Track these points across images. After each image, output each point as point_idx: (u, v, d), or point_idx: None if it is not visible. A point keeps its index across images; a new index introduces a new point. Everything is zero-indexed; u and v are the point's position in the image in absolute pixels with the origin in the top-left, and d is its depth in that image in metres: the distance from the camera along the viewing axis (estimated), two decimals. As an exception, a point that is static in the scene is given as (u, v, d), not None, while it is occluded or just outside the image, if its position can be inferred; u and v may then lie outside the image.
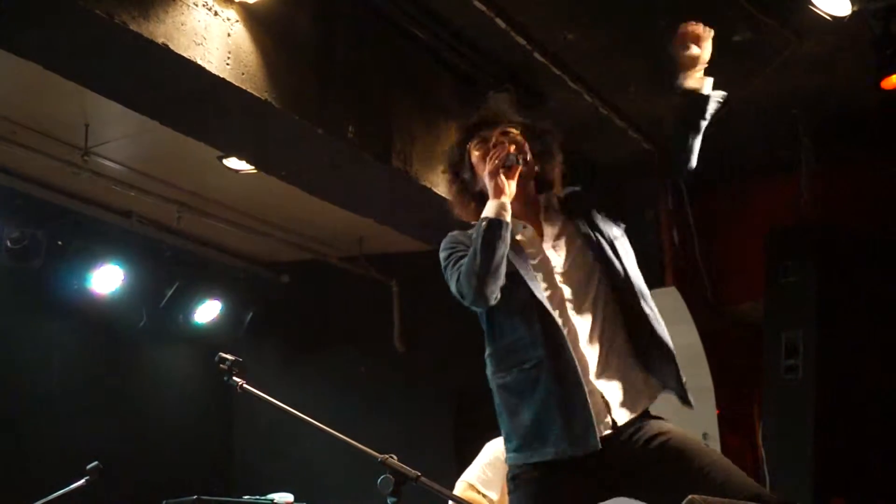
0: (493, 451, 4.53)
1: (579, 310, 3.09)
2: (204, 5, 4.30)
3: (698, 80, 3.20)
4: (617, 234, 3.30)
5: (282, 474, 8.32)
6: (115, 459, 5.58)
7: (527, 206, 3.22)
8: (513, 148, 3.15)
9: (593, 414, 2.95)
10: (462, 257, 3.07)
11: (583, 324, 3.08)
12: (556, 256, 3.16)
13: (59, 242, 6.94)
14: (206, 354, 4.06)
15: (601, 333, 3.10)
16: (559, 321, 3.03)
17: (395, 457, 2.74)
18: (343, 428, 2.82)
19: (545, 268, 3.13)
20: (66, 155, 6.43)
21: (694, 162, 3.26)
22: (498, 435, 4.43)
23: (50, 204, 7.04)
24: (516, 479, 3.04)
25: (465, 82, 5.97)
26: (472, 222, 3.21)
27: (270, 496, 7.09)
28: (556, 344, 3.00)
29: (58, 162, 6.49)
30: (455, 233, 3.26)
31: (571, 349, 3.01)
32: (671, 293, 6.99)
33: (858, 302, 6.41)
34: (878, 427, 6.19)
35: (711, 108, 3.20)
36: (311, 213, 7.37)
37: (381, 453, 2.71)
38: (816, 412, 6.18)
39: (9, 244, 6.61)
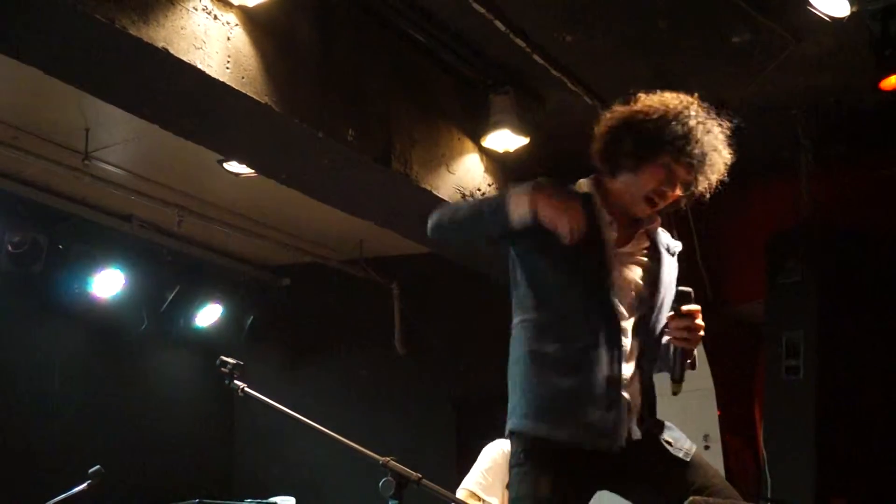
0: (491, 456, 4.53)
1: (627, 324, 3.03)
2: (204, 9, 4.30)
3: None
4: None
5: (283, 477, 8.34)
6: (117, 463, 5.59)
7: (630, 212, 3.06)
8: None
9: (624, 415, 2.93)
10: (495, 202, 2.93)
11: (625, 339, 3.02)
12: (626, 268, 3.07)
13: (60, 247, 6.95)
14: (208, 358, 4.07)
15: (631, 354, 3.05)
16: (621, 315, 2.97)
17: (396, 459, 2.75)
18: (344, 431, 2.83)
19: (618, 268, 3.03)
20: (66, 159, 6.44)
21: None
22: (498, 437, 4.45)
23: (51, 208, 7.05)
24: (531, 451, 2.91)
25: (465, 85, 5.97)
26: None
27: (272, 499, 7.09)
28: (614, 335, 2.93)
29: (59, 166, 6.50)
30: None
31: (624, 346, 2.96)
32: (672, 294, 6.99)
33: (859, 302, 6.41)
34: (879, 427, 6.20)
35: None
36: (312, 216, 7.38)
37: (382, 456, 2.71)
38: (817, 412, 6.19)
39: (10, 248, 6.62)
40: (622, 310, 2.99)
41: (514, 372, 3.00)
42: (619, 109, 3.07)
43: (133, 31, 3.95)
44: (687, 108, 3.00)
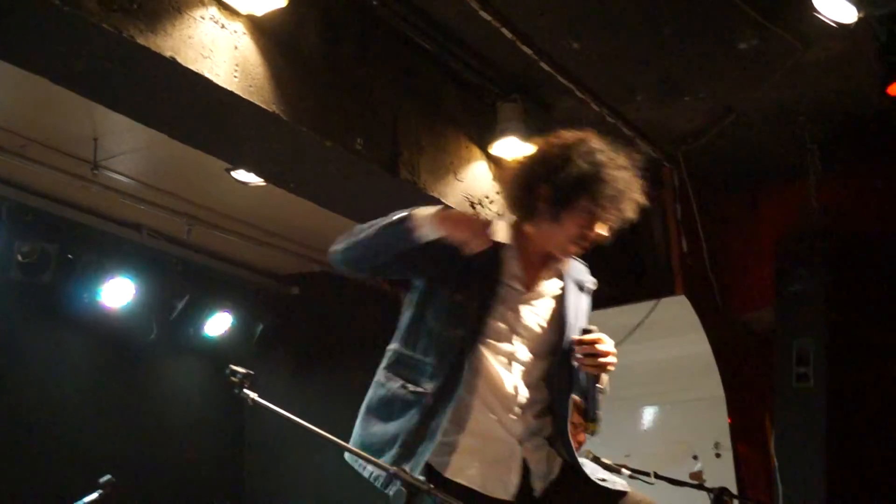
0: None
1: (530, 373, 3.03)
2: (211, 18, 4.31)
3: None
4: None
5: (293, 486, 8.33)
6: (127, 472, 5.59)
7: (545, 253, 3.05)
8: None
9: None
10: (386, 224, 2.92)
11: (521, 386, 3.01)
12: (540, 315, 3.06)
13: (70, 256, 6.96)
14: (217, 367, 4.07)
15: (534, 403, 3.04)
16: (495, 367, 2.97)
17: (406, 468, 2.74)
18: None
19: (514, 316, 3.01)
20: (75, 169, 6.46)
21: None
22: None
23: (60, 218, 7.06)
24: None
25: (473, 93, 5.98)
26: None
27: (282, 508, 7.11)
28: (451, 391, 2.91)
29: (67, 176, 6.51)
30: None
31: (489, 396, 2.96)
32: (681, 302, 6.99)
33: (869, 309, 6.40)
34: (890, 434, 6.18)
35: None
36: (320, 224, 7.37)
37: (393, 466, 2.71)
38: (828, 420, 6.17)
39: (20, 258, 6.64)
40: (517, 354, 2.99)
41: (377, 396, 3.07)
42: (526, 160, 3.09)
43: (141, 41, 3.96)
44: (590, 146, 2.99)
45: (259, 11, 4.46)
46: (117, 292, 7.27)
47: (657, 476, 4.59)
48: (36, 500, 6.31)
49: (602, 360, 2.94)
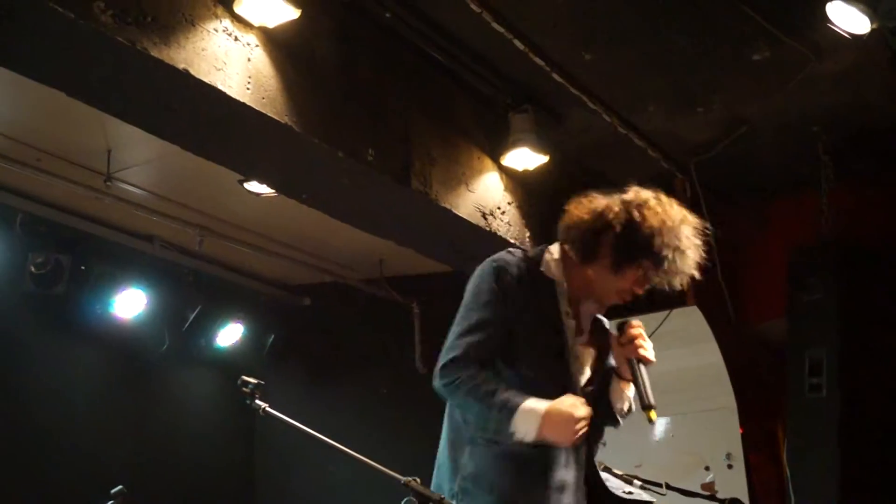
0: None
1: None
2: (224, 31, 4.33)
3: (622, 398, 3.18)
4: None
5: (305, 497, 8.33)
6: (139, 483, 5.59)
7: (587, 293, 3.11)
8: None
9: None
10: (490, 327, 2.95)
11: None
12: (580, 358, 3.13)
13: (83, 267, 6.99)
14: (229, 378, 4.07)
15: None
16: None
17: (418, 479, 2.74)
18: (366, 450, 2.83)
19: (577, 358, 3.09)
20: (88, 180, 6.48)
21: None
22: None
23: (73, 229, 7.08)
24: None
25: (485, 104, 5.98)
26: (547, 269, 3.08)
27: (293, 519, 7.10)
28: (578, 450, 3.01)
29: (81, 187, 6.53)
30: (509, 267, 3.04)
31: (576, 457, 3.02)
32: (693, 312, 6.98)
33: (882, 319, 6.38)
34: (903, 445, 6.16)
35: (611, 418, 3.18)
36: (332, 235, 7.39)
37: (404, 476, 2.71)
38: (841, 431, 6.15)
39: (33, 270, 6.66)
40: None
41: (453, 453, 3.04)
42: (608, 202, 3.08)
43: (154, 53, 3.98)
44: (680, 225, 3.03)
45: (272, 23, 4.48)
46: (130, 303, 7.29)
47: (669, 487, 4.58)
48: (48, 510, 6.33)
49: (644, 348, 3.03)
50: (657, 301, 7.13)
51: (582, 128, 6.19)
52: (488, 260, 3.07)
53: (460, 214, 5.74)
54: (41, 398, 7.13)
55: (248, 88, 4.41)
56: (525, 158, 5.91)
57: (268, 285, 8.72)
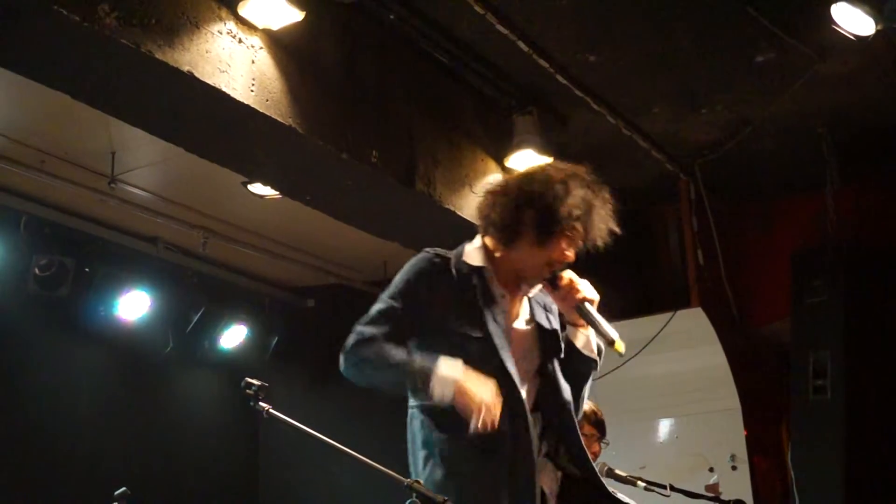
0: None
1: (529, 396, 3.05)
2: (228, 33, 4.33)
3: (580, 337, 3.13)
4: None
5: (308, 499, 8.33)
6: (143, 484, 5.60)
7: (517, 277, 3.12)
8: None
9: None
10: (394, 314, 2.98)
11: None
12: (523, 336, 3.10)
13: (87, 269, 6.98)
14: (232, 379, 4.06)
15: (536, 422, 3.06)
16: (525, 402, 2.98)
17: (421, 481, 2.74)
18: (369, 452, 2.82)
19: (514, 342, 3.05)
20: (93, 183, 6.48)
21: (582, 406, 3.19)
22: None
23: (77, 231, 7.09)
24: None
25: (489, 105, 5.98)
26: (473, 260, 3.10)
27: (297, 521, 7.10)
28: (521, 425, 2.94)
29: (85, 190, 6.54)
30: (434, 259, 3.09)
31: (531, 433, 2.98)
32: (697, 314, 6.98)
33: (887, 321, 6.37)
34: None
35: (585, 363, 3.13)
36: (336, 237, 7.39)
37: (406, 477, 2.70)
38: (845, 432, 6.14)
39: (37, 272, 6.66)
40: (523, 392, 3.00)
41: (427, 453, 3.00)
42: (508, 182, 3.15)
43: (159, 56, 3.98)
44: (578, 179, 3.06)
45: (276, 25, 4.48)
46: (133, 305, 7.29)
47: (673, 488, 4.58)
48: (53, 512, 6.34)
49: (581, 291, 3.03)
50: (661, 303, 7.18)
51: (586, 129, 6.19)
52: (413, 258, 3.12)
53: (464, 216, 5.73)
54: (45, 399, 7.14)
55: (252, 90, 4.41)
56: (529, 160, 5.90)
57: (272, 287, 8.73)
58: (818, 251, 6.60)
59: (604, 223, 3.08)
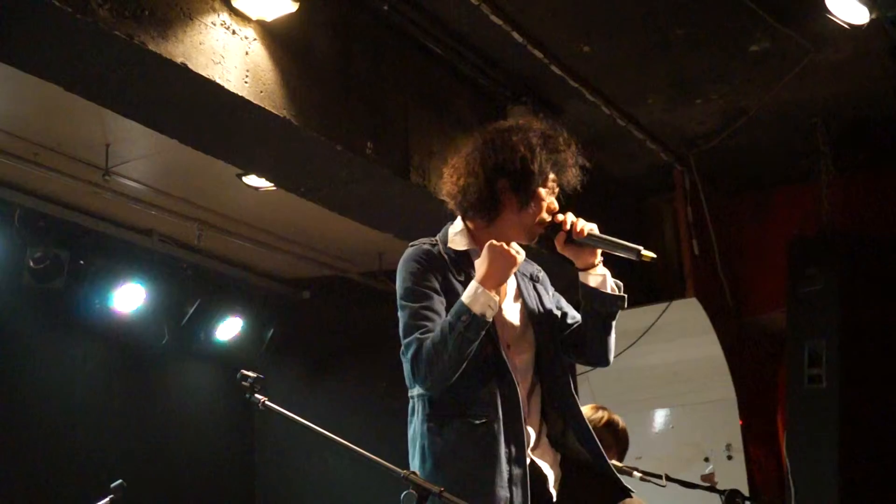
0: None
1: (524, 379, 3.01)
2: (222, 24, 4.32)
3: (596, 277, 3.04)
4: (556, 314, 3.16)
5: (304, 490, 8.34)
6: (138, 477, 5.61)
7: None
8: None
9: (528, 490, 2.88)
10: (426, 311, 2.90)
11: (524, 395, 3.00)
12: (512, 318, 3.06)
13: (81, 262, 6.98)
14: (228, 372, 4.07)
15: (533, 407, 3.03)
16: (518, 387, 2.94)
17: (417, 472, 2.74)
18: (365, 444, 2.82)
19: (503, 327, 3.00)
20: (87, 175, 6.47)
21: (611, 356, 3.10)
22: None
23: (72, 224, 7.08)
24: None
25: (483, 96, 5.98)
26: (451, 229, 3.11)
27: (294, 512, 7.11)
28: (514, 411, 2.91)
29: (79, 182, 6.53)
30: (424, 247, 3.06)
31: (525, 418, 2.94)
32: (692, 304, 6.99)
33: (882, 310, 6.38)
34: (903, 436, 6.16)
35: (612, 303, 3.04)
36: (331, 229, 7.39)
37: (403, 468, 2.70)
38: (841, 422, 6.15)
39: (31, 264, 6.65)
40: (516, 369, 2.97)
41: (420, 444, 2.98)
42: (467, 159, 3.09)
43: (152, 47, 3.97)
44: (534, 131, 3.05)
45: (270, 17, 4.47)
46: (128, 297, 7.29)
47: (669, 478, 4.58)
48: (48, 504, 6.34)
49: (582, 223, 3.00)
50: (656, 293, 7.19)
51: (581, 120, 6.19)
52: (406, 251, 3.08)
53: (447, 204, 5.72)
54: (40, 392, 7.14)
55: (246, 82, 4.40)
56: (524, 151, 5.89)
57: (267, 279, 8.73)
58: (813, 240, 6.61)
59: (573, 164, 3.07)
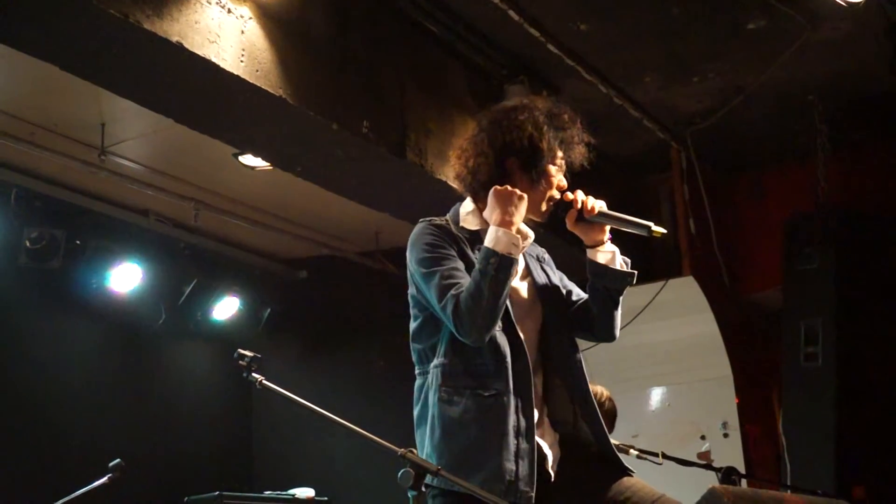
0: None
1: (531, 353, 3.02)
2: (217, 3, 4.31)
3: (605, 254, 3.05)
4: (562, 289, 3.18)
5: (302, 469, 8.36)
6: (137, 457, 5.61)
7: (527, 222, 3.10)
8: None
9: (535, 465, 2.88)
10: (453, 271, 2.92)
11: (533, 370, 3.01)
12: (521, 295, 3.07)
13: (78, 242, 6.97)
14: (225, 351, 4.07)
15: (536, 385, 3.03)
16: (530, 361, 2.96)
17: (414, 450, 2.75)
18: (362, 422, 2.83)
19: (513, 304, 3.00)
20: (83, 155, 6.46)
21: (617, 332, 3.13)
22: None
23: (68, 204, 7.06)
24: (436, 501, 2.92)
25: (480, 75, 5.97)
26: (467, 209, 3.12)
27: (292, 491, 7.12)
28: (525, 385, 2.93)
29: (75, 162, 6.52)
30: (435, 222, 3.09)
31: (534, 392, 2.95)
32: (689, 283, 6.99)
33: (878, 288, 6.39)
34: (898, 413, 6.19)
35: (622, 279, 3.05)
36: (327, 208, 7.38)
37: (400, 447, 2.71)
38: (836, 400, 6.18)
39: (28, 244, 6.64)
40: (525, 344, 2.99)
41: (429, 415, 2.99)
42: (475, 140, 3.13)
43: (147, 26, 3.96)
44: (540, 109, 3.08)
45: (265, -5, 4.46)
46: (125, 277, 7.28)
47: (665, 456, 4.60)
48: (45, 485, 6.33)
49: (591, 200, 3.03)
50: (653, 272, 7.19)
51: (577, 99, 6.17)
52: (416, 228, 3.11)
53: (455, 186, 5.72)
54: (37, 372, 7.14)
55: (241, 61, 4.39)
56: (520, 129, 5.89)
57: (264, 259, 8.72)
58: (809, 219, 6.61)
59: (580, 140, 3.10)
